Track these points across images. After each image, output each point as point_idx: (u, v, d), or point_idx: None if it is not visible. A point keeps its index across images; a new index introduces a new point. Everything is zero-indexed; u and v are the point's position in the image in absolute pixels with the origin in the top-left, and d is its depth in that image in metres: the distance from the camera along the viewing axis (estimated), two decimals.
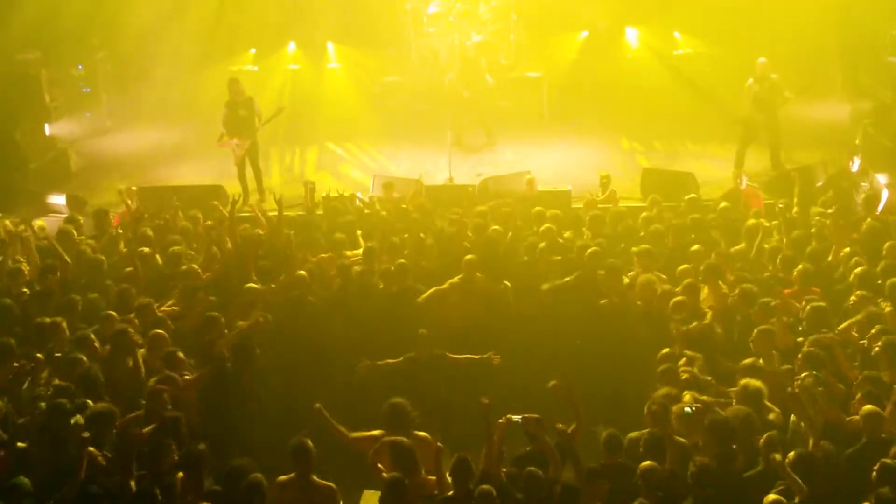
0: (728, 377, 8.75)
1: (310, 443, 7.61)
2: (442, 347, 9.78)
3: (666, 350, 9.13)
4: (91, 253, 11.39)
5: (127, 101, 19.94)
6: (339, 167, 17.41)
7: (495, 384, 9.50)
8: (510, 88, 19.18)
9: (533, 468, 7.27)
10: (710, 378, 8.68)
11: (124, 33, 19.62)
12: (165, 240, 11.83)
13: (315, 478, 7.58)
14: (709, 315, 9.77)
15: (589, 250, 10.76)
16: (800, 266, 10.23)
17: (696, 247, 11.06)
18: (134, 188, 13.98)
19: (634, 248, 11.05)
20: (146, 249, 11.31)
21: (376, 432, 8.10)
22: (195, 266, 10.89)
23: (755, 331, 8.98)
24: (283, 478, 7.63)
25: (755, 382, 8.15)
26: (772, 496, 6.80)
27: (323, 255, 11.38)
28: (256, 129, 15.28)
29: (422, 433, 8.12)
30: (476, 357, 9.70)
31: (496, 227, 11.87)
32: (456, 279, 10.66)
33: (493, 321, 10.61)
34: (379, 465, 7.65)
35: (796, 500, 6.97)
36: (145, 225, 12.22)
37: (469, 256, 10.83)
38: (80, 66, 19.70)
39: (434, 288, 10.63)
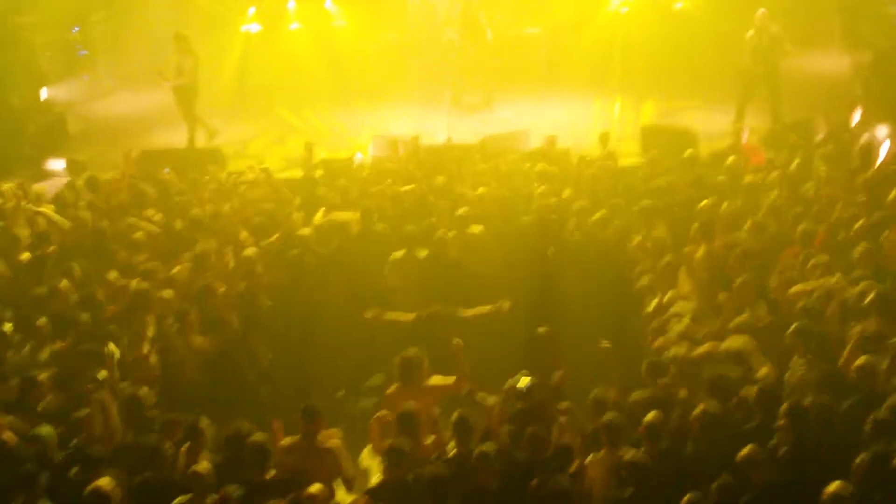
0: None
1: (317, 406, 7.65)
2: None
3: (654, 302, 9.15)
4: (91, 219, 11.40)
5: (125, 63, 19.83)
6: (337, 127, 17.33)
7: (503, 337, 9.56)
8: (508, 46, 19.03)
9: (534, 429, 7.32)
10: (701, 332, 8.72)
11: None
12: (168, 203, 11.86)
13: (320, 439, 7.60)
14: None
15: (597, 215, 10.78)
16: (801, 226, 10.19)
17: (704, 202, 11.04)
18: (133, 153, 13.94)
19: (638, 204, 11.02)
20: (151, 212, 11.36)
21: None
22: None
23: (738, 280, 9.00)
24: (287, 440, 7.67)
25: (742, 338, 8.20)
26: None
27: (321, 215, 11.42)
28: (186, 80, 15.72)
29: (436, 378, 8.17)
30: (486, 309, 9.64)
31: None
32: (452, 232, 10.68)
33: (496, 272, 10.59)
34: (376, 430, 7.69)
35: (783, 449, 7.03)
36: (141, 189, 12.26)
37: (462, 210, 10.84)
38: (75, 29, 19.56)
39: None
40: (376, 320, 9.87)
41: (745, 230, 10.50)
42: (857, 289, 8.72)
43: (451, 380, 8.19)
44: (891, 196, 10.71)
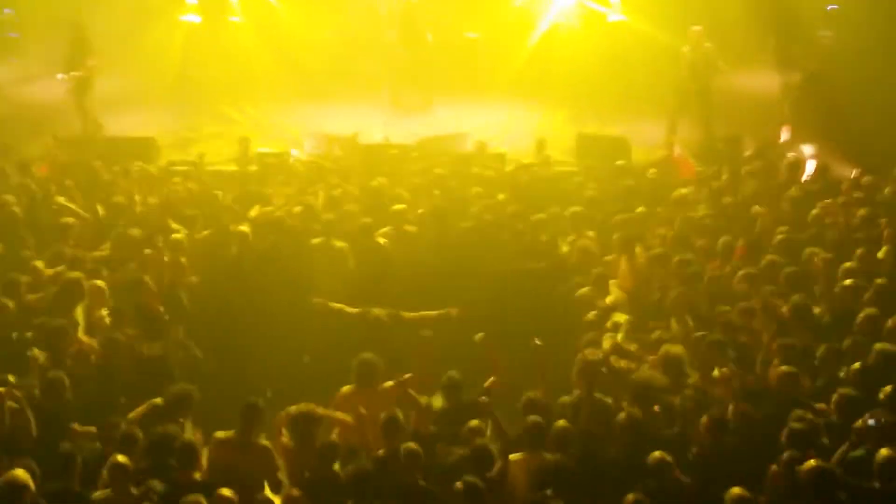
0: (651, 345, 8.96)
1: (261, 404, 7.59)
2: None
3: (591, 315, 9.30)
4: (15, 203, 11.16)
5: (57, 48, 19.41)
6: (272, 123, 17.23)
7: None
8: (447, 48, 19.11)
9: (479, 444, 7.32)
10: (633, 346, 8.88)
11: None
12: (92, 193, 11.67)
13: (255, 438, 7.54)
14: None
15: (535, 217, 10.92)
16: (722, 238, 10.44)
17: (640, 208, 11.20)
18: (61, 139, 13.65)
19: (569, 210, 11.17)
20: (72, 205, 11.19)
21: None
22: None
23: (672, 293, 9.20)
24: (221, 434, 7.58)
25: (676, 348, 8.39)
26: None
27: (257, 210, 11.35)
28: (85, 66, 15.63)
29: (388, 384, 8.22)
30: (433, 313, 9.72)
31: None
32: (387, 228, 10.69)
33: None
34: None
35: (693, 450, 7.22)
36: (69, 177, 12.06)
37: (398, 206, 10.92)
38: (7, 10, 19.12)
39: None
40: (321, 307, 9.78)
41: (669, 242, 10.72)
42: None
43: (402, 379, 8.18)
44: (812, 213, 11.06)
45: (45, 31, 19.28)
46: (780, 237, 10.42)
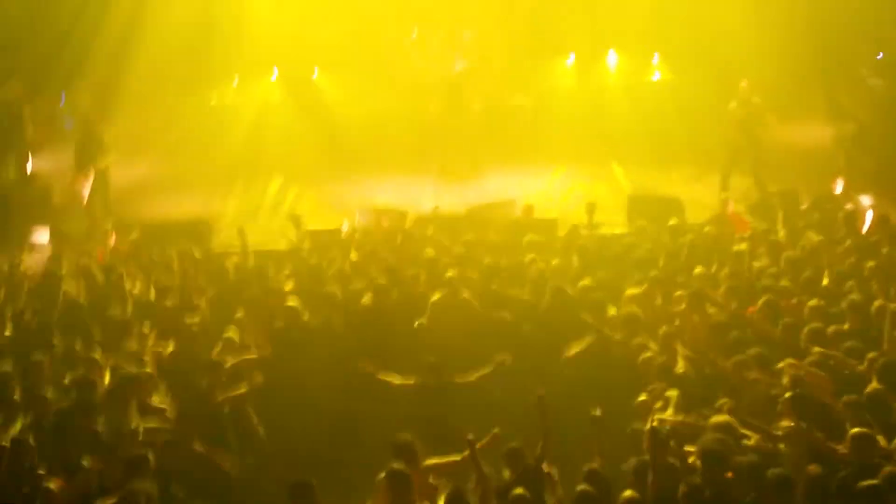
0: None
1: (313, 482, 7.45)
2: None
3: (644, 396, 9.08)
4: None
5: (112, 132, 19.86)
6: (325, 199, 17.36)
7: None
8: (496, 116, 19.19)
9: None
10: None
11: (103, 66, 19.56)
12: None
13: None
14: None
15: (583, 282, 10.80)
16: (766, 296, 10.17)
17: (698, 269, 11.04)
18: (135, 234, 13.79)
19: (650, 273, 10.98)
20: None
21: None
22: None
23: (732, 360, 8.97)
24: None
25: (723, 417, 8.12)
26: None
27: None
28: (102, 164, 15.41)
29: (427, 462, 8.04)
30: (487, 370, 9.56)
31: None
32: (437, 296, 10.65)
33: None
34: None
35: None
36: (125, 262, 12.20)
37: (450, 273, 10.90)
38: (63, 101, 19.62)
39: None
40: (370, 378, 9.70)
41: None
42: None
43: (450, 458, 8.03)
44: (870, 264, 10.79)
45: (100, 117, 19.81)
46: (852, 296, 10.08)
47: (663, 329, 9.77)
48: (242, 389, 9.33)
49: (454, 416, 9.19)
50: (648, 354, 9.49)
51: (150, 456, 7.93)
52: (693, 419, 8.41)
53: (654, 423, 7.98)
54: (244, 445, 9.13)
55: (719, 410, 8.39)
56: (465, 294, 10.77)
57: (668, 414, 8.57)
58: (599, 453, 7.93)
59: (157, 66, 18.98)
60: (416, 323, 10.33)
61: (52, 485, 7.52)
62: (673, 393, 8.79)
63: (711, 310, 10.19)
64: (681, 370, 9.17)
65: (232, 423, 9.11)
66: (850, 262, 11.13)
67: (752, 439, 8.01)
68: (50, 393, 8.92)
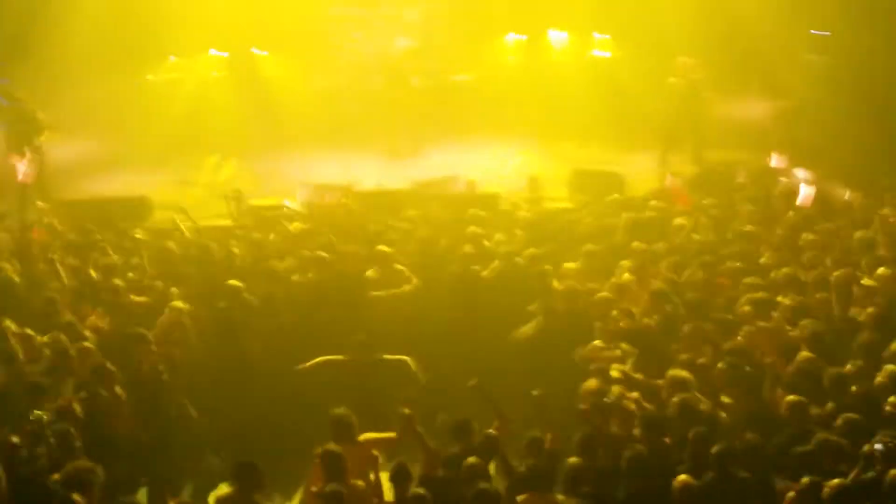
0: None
1: (258, 464, 7.44)
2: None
3: (596, 343, 9.18)
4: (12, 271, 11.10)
5: (48, 113, 19.46)
6: (267, 175, 17.22)
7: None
8: (438, 92, 19.18)
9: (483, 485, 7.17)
10: (640, 375, 8.76)
11: (43, 45, 19.14)
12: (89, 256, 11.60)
13: (257, 498, 7.43)
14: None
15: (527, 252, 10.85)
16: (729, 263, 10.38)
17: (636, 244, 11.18)
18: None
19: (585, 248, 11.09)
20: (73, 261, 11.12)
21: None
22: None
23: (686, 327, 9.11)
24: (223, 493, 7.53)
25: (682, 373, 8.29)
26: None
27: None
28: (36, 143, 15.05)
29: (364, 436, 8.08)
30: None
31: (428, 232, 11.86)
32: (372, 271, 10.69)
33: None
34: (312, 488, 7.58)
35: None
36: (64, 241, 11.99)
37: (382, 247, 10.92)
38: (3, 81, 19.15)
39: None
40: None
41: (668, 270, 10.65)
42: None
43: (387, 434, 8.07)
44: (807, 237, 11.01)
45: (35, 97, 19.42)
46: (785, 270, 10.29)
47: (601, 294, 9.90)
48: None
49: (384, 392, 9.31)
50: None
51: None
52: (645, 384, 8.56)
53: (615, 373, 8.19)
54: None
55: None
56: (402, 268, 10.79)
57: (628, 367, 8.72)
58: (548, 429, 8.01)
59: (94, 43, 18.69)
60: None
61: None
62: (633, 350, 8.95)
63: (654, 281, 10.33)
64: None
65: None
66: (785, 235, 11.36)
67: (703, 404, 8.15)
68: None
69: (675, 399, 7.98)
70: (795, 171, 14.32)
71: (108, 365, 8.86)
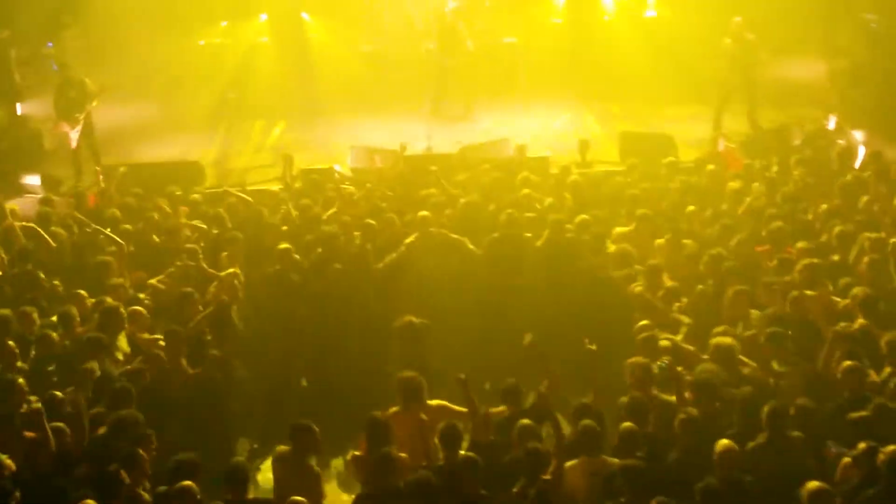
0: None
1: (314, 426, 7.51)
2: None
3: (645, 322, 9.12)
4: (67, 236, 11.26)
5: (99, 77, 19.67)
6: (317, 139, 17.26)
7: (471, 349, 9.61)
8: (486, 55, 19.04)
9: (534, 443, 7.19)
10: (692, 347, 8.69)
11: (93, 9, 19.34)
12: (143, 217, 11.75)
13: (310, 460, 7.53)
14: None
15: (579, 218, 10.78)
16: (773, 224, 10.24)
17: (691, 208, 11.02)
18: (123, 168, 13.75)
19: (638, 212, 10.97)
20: (129, 227, 11.27)
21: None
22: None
23: (730, 291, 9.01)
24: (282, 448, 7.62)
25: (726, 340, 8.22)
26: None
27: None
28: (87, 110, 15.07)
29: (434, 402, 8.09)
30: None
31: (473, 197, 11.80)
32: (412, 238, 10.66)
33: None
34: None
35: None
36: (115, 204, 12.14)
37: (422, 213, 10.87)
38: (49, 44, 19.40)
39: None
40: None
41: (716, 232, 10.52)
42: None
43: (459, 408, 8.05)
44: (863, 200, 10.81)
45: (86, 62, 19.64)
46: (837, 230, 10.11)
47: (649, 262, 9.84)
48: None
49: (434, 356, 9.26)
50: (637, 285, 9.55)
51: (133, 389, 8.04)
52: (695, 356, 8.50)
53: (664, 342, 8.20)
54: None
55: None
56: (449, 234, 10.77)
57: (679, 338, 8.67)
58: (595, 388, 7.99)
59: (143, 6, 18.88)
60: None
61: None
62: (686, 319, 8.88)
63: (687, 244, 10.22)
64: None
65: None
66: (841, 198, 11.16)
67: (748, 368, 8.09)
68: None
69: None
70: (852, 133, 14.02)
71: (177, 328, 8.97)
